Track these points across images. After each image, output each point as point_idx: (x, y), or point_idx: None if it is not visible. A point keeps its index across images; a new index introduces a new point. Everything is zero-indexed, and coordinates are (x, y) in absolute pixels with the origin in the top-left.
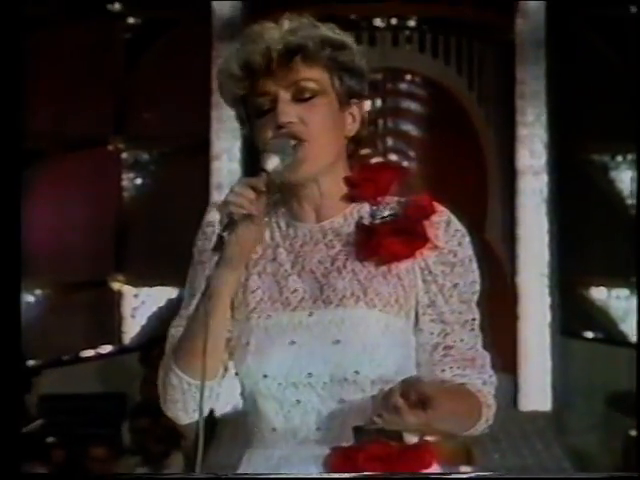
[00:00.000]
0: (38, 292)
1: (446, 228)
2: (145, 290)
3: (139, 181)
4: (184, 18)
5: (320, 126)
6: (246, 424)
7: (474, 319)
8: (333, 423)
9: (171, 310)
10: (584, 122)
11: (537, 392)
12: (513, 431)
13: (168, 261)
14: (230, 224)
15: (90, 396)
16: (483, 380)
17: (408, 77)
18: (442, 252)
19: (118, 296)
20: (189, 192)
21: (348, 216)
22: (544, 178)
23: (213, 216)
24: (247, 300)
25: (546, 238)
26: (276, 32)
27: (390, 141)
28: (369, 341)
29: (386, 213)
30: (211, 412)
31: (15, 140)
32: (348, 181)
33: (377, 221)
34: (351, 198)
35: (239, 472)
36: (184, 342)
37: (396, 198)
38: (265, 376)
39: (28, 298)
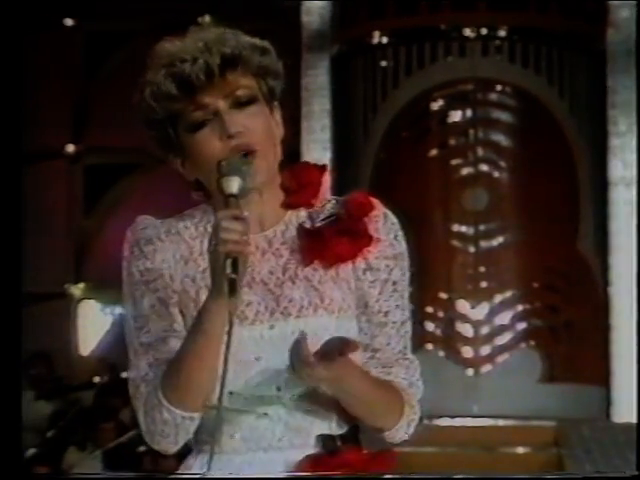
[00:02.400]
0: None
1: (384, 221)
2: None
3: None
4: (275, 29)
5: (264, 133)
6: (200, 431)
7: (405, 321)
8: (299, 433)
9: None
10: None
11: (630, 403)
12: (605, 442)
13: None
14: (235, 264)
15: None
16: (409, 382)
17: (498, 87)
18: (383, 245)
19: None
20: None
21: (288, 223)
22: (636, 189)
23: (147, 232)
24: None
25: (636, 249)
26: (206, 44)
27: (481, 151)
28: None
29: (325, 215)
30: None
31: (15, 140)
32: (285, 188)
33: (318, 223)
34: (289, 205)
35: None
36: (176, 378)
37: (331, 198)
38: (231, 393)
39: (121, 310)
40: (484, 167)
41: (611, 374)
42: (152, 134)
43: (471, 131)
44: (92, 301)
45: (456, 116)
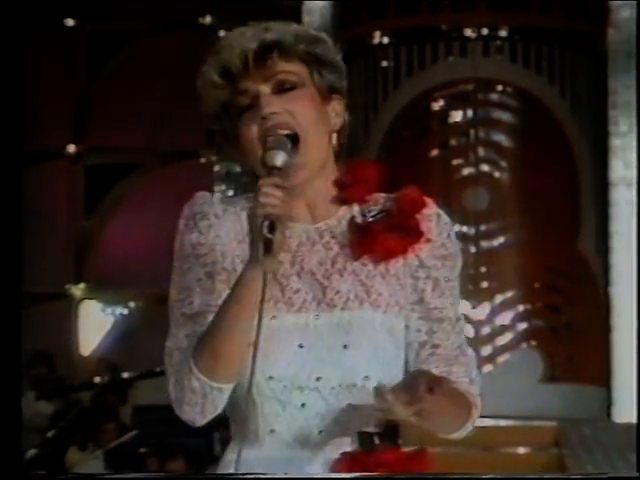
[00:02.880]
0: (131, 304)
1: (437, 220)
2: None
3: (231, 193)
4: None
5: (306, 117)
6: (239, 424)
7: (459, 318)
8: (336, 427)
9: None
10: None
11: (631, 403)
12: (607, 442)
13: None
14: (272, 225)
15: None
16: (470, 379)
17: (499, 87)
18: (435, 245)
19: None
20: None
21: (341, 218)
22: (637, 189)
23: (205, 207)
24: None
25: (636, 249)
26: (250, 32)
27: (482, 152)
28: (378, 345)
29: (377, 210)
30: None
31: (16, 140)
32: (338, 183)
33: (369, 219)
34: (342, 200)
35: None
36: (208, 345)
37: (383, 194)
38: (270, 378)
39: (122, 310)
40: (485, 167)
41: (612, 374)
42: (216, 129)
43: (472, 131)
44: (93, 301)
45: (457, 116)
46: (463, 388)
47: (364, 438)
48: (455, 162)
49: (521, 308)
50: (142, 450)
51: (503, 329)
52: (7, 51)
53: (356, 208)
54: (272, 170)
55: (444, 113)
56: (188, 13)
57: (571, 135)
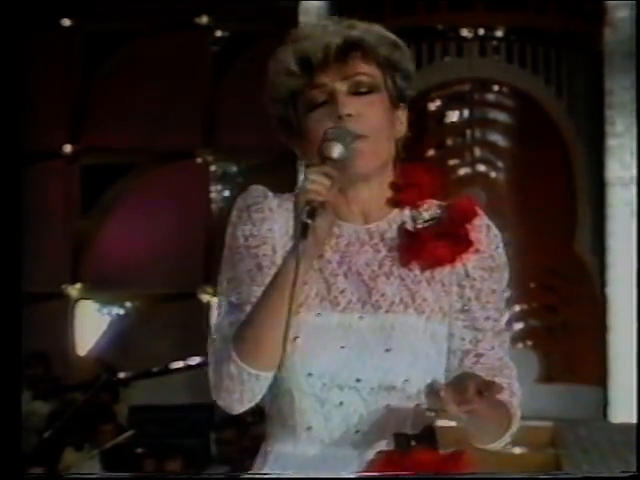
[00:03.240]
0: (128, 304)
1: (487, 232)
2: None
3: (227, 193)
4: (271, 30)
5: (378, 122)
6: (276, 420)
7: (503, 329)
8: (373, 428)
9: None
10: None
11: (627, 403)
12: (603, 442)
13: None
14: (312, 211)
15: (179, 407)
16: (511, 391)
17: (496, 87)
18: (482, 256)
19: (207, 308)
20: None
21: (392, 221)
22: (634, 189)
23: (259, 200)
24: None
25: (636, 249)
26: (334, 27)
27: (478, 151)
28: (420, 350)
29: (427, 217)
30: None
31: (14, 140)
32: (393, 186)
33: (419, 225)
34: (395, 203)
35: (262, 469)
36: (248, 331)
37: (435, 201)
38: (310, 374)
39: (118, 310)
40: (481, 167)
41: (608, 374)
42: (275, 113)
43: (468, 131)
44: (89, 301)
45: (453, 116)
46: (505, 399)
47: (401, 440)
48: (451, 162)
49: (517, 308)
50: (139, 450)
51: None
52: (5, 51)
53: (407, 212)
54: (326, 160)
55: (440, 113)
56: (184, 13)
57: (567, 135)
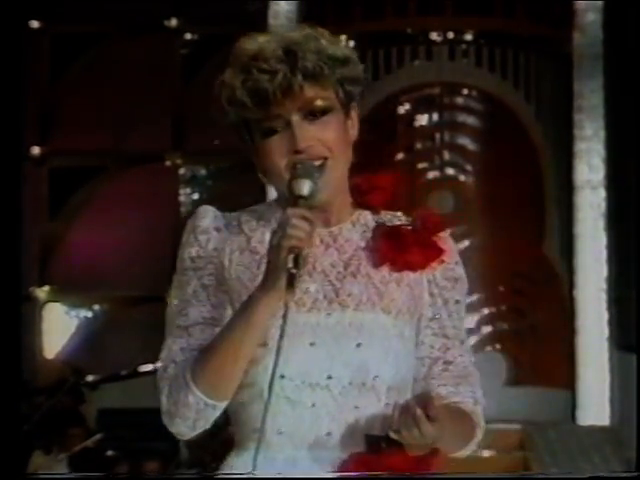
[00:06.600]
0: (96, 307)
1: (451, 245)
2: None
3: (196, 196)
4: (240, 33)
5: (336, 140)
6: (245, 425)
7: (466, 338)
8: (344, 429)
9: None
10: None
11: (595, 406)
12: (571, 445)
13: None
14: (297, 260)
15: (148, 410)
16: (474, 400)
17: (465, 91)
18: (448, 267)
19: None
20: (246, 207)
21: (355, 222)
22: (602, 193)
23: (205, 222)
24: None
25: (604, 252)
26: (278, 51)
27: (447, 155)
28: (389, 347)
29: (388, 221)
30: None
31: (15, 142)
32: (356, 188)
33: (384, 228)
34: (357, 206)
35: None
36: (209, 363)
37: (398, 213)
38: (282, 377)
39: (86, 313)
40: (450, 171)
41: (576, 377)
42: (227, 124)
43: (437, 135)
44: (57, 304)
45: (423, 120)
46: (469, 408)
47: (371, 441)
48: (421, 165)
49: (486, 311)
50: (108, 453)
51: (468, 332)
52: None
53: (369, 215)
54: (298, 199)
55: (410, 117)
56: (153, 16)
57: (536, 139)
